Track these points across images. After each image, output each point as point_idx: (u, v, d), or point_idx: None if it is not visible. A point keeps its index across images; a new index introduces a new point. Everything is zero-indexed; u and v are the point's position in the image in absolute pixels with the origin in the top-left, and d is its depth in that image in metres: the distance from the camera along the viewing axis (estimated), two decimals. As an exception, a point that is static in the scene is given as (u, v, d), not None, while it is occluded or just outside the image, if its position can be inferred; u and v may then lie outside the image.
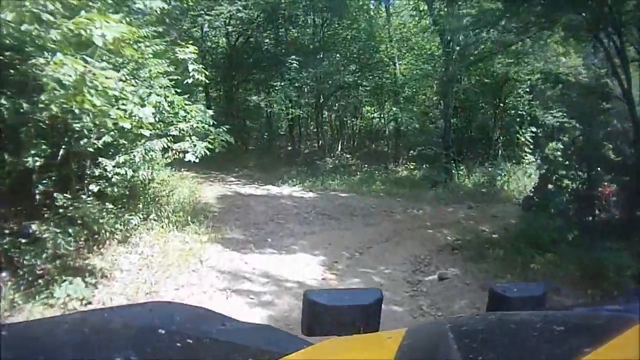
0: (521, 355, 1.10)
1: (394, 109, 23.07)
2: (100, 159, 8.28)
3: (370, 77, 23.89)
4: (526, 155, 21.52)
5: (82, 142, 7.73)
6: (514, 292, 1.66)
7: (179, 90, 9.84)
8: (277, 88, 21.70)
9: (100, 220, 8.05)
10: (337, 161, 24.00)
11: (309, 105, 24.66)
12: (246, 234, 11.53)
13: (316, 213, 14.28)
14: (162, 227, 10.34)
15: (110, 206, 8.41)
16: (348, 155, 25.30)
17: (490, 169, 20.74)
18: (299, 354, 1.19)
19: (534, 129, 21.67)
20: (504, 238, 11.23)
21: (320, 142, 25.89)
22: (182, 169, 17.41)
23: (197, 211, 12.39)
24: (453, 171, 20.48)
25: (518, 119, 22.74)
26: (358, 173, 21.89)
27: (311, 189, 18.60)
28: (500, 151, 22.70)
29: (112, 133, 7.92)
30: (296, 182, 19.50)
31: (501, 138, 23.44)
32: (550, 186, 12.82)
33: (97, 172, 8.42)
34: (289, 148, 25.91)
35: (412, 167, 22.60)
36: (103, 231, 8.32)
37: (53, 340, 1.21)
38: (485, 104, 23.96)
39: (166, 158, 10.72)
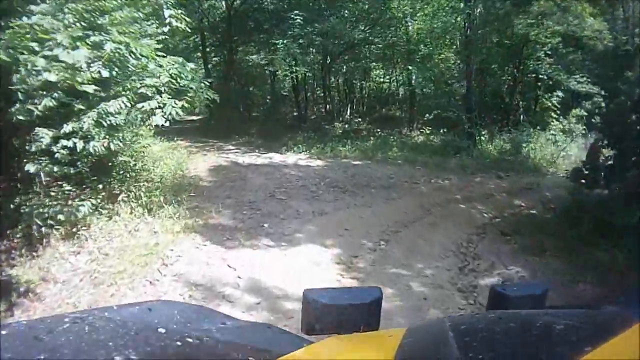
0: (521, 354, 1.06)
1: (410, 67, 20.48)
2: (37, 130, 6.31)
3: (382, 35, 20.79)
4: (552, 121, 19.42)
5: (14, 109, 5.94)
6: (514, 290, 1.56)
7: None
8: (279, 46, 18.69)
9: (38, 211, 5.47)
10: (346, 126, 21.58)
11: (315, 65, 22.52)
12: (237, 217, 9.25)
13: (326, 186, 12.09)
14: (131, 212, 7.59)
15: (54, 192, 5.80)
16: (358, 120, 22.86)
17: (514, 135, 18.47)
18: (299, 353, 1.15)
19: (560, 94, 19.42)
20: (554, 220, 9.69)
21: (328, 106, 23.76)
22: (177, 138, 16.78)
23: (181, 188, 10.56)
24: (477, 137, 18.34)
25: (539, 84, 20.42)
26: (371, 138, 19.25)
27: (319, 156, 16.41)
28: (521, 117, 20.65)
29: (55, 95, 6.13)
30: (302, 149, 17.42)
31: (521, 103, 21.26)
32: (602, 157, 11.46)
33: (34, 147, 6.40)
34: (295, 114, 24.00)
35: (428, 132, 19.91)
36: (37, 226, 5.66)
37: (53, 339, 1.07)
38: (504, 67, 21.30)
39: (147, 125, 8.83)
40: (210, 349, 1.15)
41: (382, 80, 25.11)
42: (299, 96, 23.80)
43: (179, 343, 1.11)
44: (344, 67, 23.15)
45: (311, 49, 20.84)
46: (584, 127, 18.66)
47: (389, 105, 24.84)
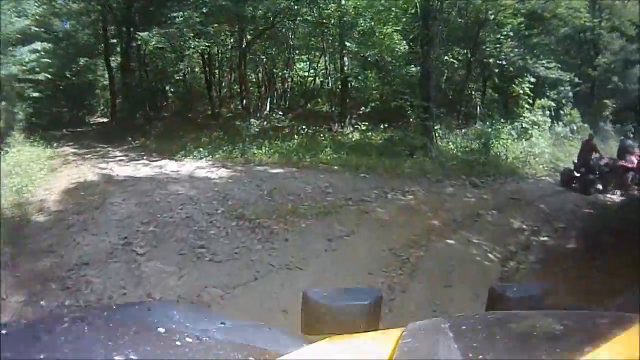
0: (521, 355, 1.03)
1: (347, 44, 15.85)
2: None
3: (310, 5, 15.86)
4: (523, 112, 15.61)
5: None
6: (513, 291, 1.54)
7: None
8: (178, 19, 14.01)
9: None
10: (265, 123, 16.80)
11: (229, 47, 18.81)
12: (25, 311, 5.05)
13: (226, 216, 7.69)
14: None
15: None
16: (280, 115, 17.99)
17: (480, 130, 14.57)
18: (299, 353, 1.12)
19: (532, 79, 15.87)
20: (582, 251, 7.36)
21: (244, 101, 18.48)
22: (65, 144, 14.94)
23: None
24: (435, 133, 14.08)
25: (497, 70, 17.23)
26: (295, 137, 14.67)
27: (225, 162, 12.25)
28: (479, 108, 17.14)
29: None
30: (204, 152, 13.26)
31: (480, 92, 18.08)
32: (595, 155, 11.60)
33: None
34: (209, 112, 19.67)
35: (364, 127, 15.68)
36: None
37: (53, 339, 1.08)
38: (458, 51, 17.54)
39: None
40: (210, 349, 1.11)
41: (306, 73, 20.82)
42: (211, 90, 19.59)
43: (178, 343, 1.09)
44: (264, 57, 19.40)
45: (224, 25, 16.18)
46: (551, 118, 15.82)
47: (315, 99, 20.61)
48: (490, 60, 16.90)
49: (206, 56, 18.38)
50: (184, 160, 12.60)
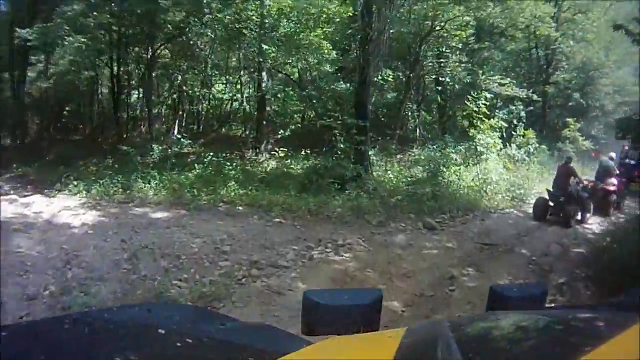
0: (521, 355, 1.03)
1: (266, 47, 12.60)
2: None
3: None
4: (477, 133, 12.59)
5: None
6: (513, 292, 1.55)
7: None
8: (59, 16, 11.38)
9: None
10: (170, 149, 13.33)
11: (129, 51, 15.07)
12: None
13: (49, 299, 5.12)
14: None
15: None
16: (189, 141, 14.25)
17: (427, 156, 12.33)
18: (299, 354, 1.09)
19: (488, 95, 13.31)
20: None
21: (148, 123, 15.74)
22: None
23: None
24: (369, 160, 11.55)
25: (439, 87, 15.06)
26: (197, 166, 11.66)
27: (101, 200, 9.63)
28: (418, 130, 14.96)
29: None
30: (81, 187, 10.32)
31: (417, 113, 15.72)
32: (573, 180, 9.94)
33: None
34: (117, 136, 16.25)
35: (282, 154, 12.89)
36: None
37: (53, 340, 1.10)
38: (396, 66, 15.07)
39: None
40: (210, 350, 1.13)
41: (225, 93, 17.87)
42: (118, 110, 16.24)
43: (178, 344, 1.09)
44: (176, 73, 16.27)
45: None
46: (503, 140, 13.28)
47: (232, 122, 17.87)
48: (433, 76, 15.06)
49: (115, 71, 15.26)
50: (57, 196, 9.91)
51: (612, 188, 10.85)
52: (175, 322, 1.23)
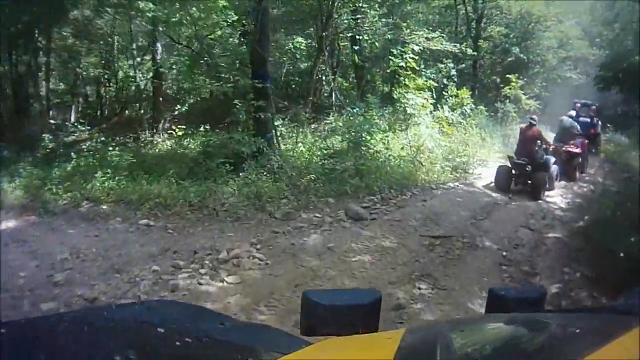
0: (521, 357, 1.01)
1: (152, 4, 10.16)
2: None
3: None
4: (406, 93, 10.66)
5: None
6: (513, 294, 1.51)
7: None
8: None
9: None
10: (67, 137, 12.24)
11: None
12: None
13: None
14: None
15: None
16: (87, 127, 12.64)
17: (344, 122, 10.45)
18: (298, 354, 1.06)
19: (416, 48, 11.49)
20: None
21: (47, 113, 14.19)
22: None
23: None
24: (276, 131, 9.66)
25: (356, 47, 12.95)
26: (83, 154, 9.69)
27: None
28: (334, 94, 12.83)
29: None
30: None
31: (332, 77, 13.63)
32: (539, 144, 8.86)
33: None
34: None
35: (181, 133, 11.05)
36: None
37: (53, 338, 1.06)
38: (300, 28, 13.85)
39: None
40: (210, 350, 1.10)
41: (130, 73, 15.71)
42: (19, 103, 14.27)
43: (178, 343, 1.06)
44: (78, 58, 14.96)
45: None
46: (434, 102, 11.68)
47: (133, 104, 15.78)
48: (349, 35, 13.16)
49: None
50: None
51: (576, 150, 10.00)
52: (174, 321, 1.16)
